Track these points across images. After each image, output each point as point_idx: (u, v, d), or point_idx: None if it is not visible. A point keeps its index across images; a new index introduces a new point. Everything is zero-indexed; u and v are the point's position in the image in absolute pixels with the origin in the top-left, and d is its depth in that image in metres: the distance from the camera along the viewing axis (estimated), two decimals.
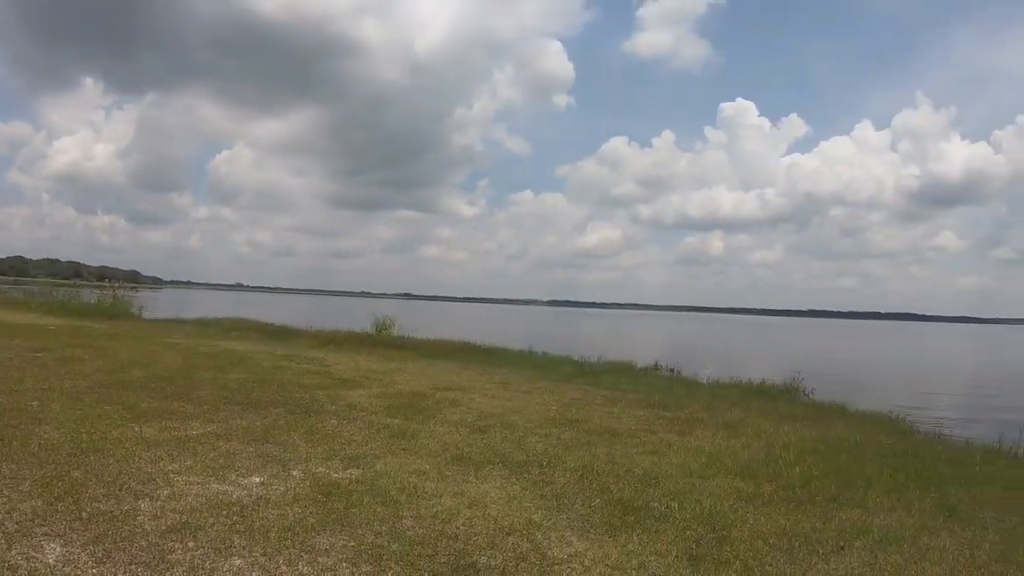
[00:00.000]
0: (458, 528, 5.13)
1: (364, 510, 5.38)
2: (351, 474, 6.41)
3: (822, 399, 15.28)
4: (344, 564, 4.34)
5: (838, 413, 13.00)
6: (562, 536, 5.12)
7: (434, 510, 5.50)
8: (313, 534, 4.79)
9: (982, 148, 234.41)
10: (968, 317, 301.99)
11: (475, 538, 4.94)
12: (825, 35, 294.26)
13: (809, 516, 5.96)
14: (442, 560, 4.51)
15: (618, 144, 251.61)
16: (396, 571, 4.29)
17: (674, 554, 4.86)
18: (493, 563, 4.51)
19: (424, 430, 8.59)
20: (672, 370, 20.31)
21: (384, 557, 4.47)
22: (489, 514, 5.49)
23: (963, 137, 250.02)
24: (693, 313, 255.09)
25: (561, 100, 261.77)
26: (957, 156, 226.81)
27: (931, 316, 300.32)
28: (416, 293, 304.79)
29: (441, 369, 15.67)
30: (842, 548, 5.23)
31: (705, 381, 17.52)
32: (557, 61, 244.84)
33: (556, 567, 4.54)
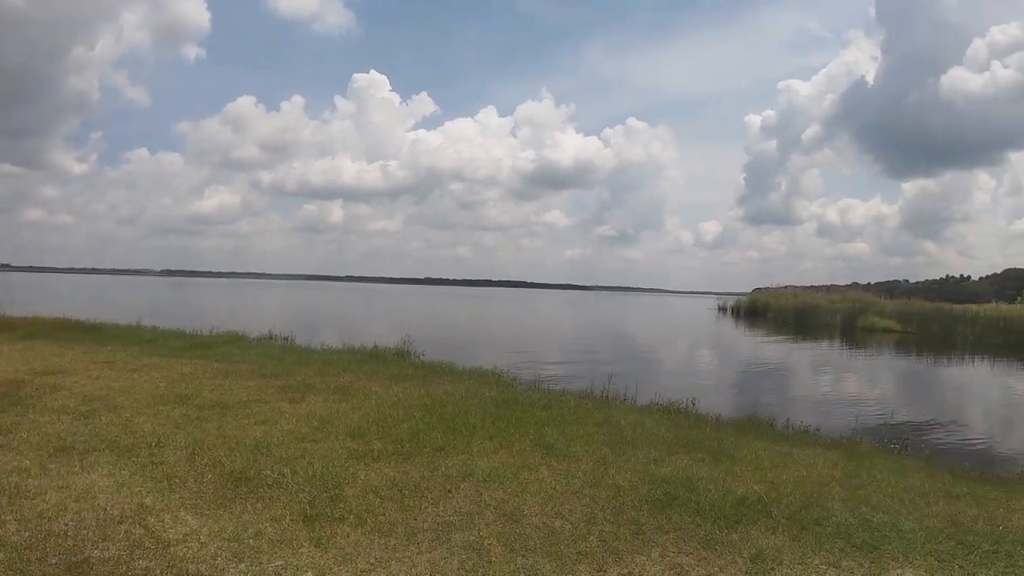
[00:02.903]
0: (66, 524, 4.61)
1: None
2: None
3: (433, 359, 16.05)
4: None
5: (446, 371, 13.77)
6: (176, 516, 4.82)
7: (39, 509, 4.86)
8: None
9: (593, 142, 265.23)
10: (572, 285, 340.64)
11: (85, 532, 4.50)
12: (467, 23, 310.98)
13: (418, 466, 6.23)
14: (53, 561, 4.07)
15: (245, 104, 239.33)
16: None
17: (289, 517, 4.83)
18: (107, 555, 4.17)
19: (23, 422, 7.47)
20: (286, 338, 20.04)
21: None
22: (98, 505, 5.00)
23: (578, 131, 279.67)
24: (312, 282, 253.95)
25: (191, 51, 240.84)
26: (571, 146, 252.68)
27: (540, 284, 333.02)
28: (16, 264, 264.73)
29: (40, 351, 13.78)
30: (449, 491, 5.56)
31: (319, 348, 17.56)
32: (194, 8, 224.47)
33: (172, 548, 4.29)
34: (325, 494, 5.33)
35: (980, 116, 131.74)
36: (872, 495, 6.52)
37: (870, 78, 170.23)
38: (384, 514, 4.95)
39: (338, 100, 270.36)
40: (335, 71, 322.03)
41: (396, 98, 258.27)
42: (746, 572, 4.43)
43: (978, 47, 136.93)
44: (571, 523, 5.03)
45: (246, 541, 4.42)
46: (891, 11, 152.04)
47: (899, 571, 4.61)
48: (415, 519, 4.91)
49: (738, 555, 4.65)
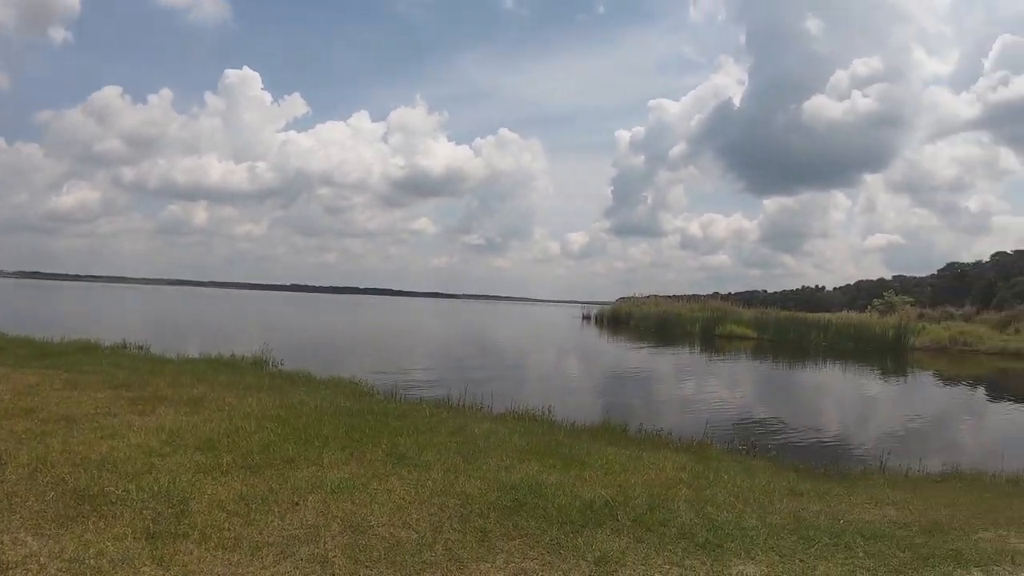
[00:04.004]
0: None
1: None
2: None
3: (291, 369, 15.90)
4: None
5: (304, 381, 13.69)
6: (16, 538, 4.63)
7: None
8: None
9: (465, 151, 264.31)
10: (439, 293, 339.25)
11: None
12: (345, 25, 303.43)
13: (266, 479, 6.23)
14: None
15: (111, 95, 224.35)
16: None
17: (132, 535, 4.73)
18: None
19: None
20: (141, 347, 19.37)
21: None
22: None
23: (450, 139, 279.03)
24: (174, 287, 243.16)
25: (59, 34, 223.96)
26: (442, 154, 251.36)
27: (406, 292, 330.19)
28: None
29: None
30: (297, 504, 5.59)
31: (175, 357, 17.06)
32: None
33: (10, 572, 4.15)
34: (170, 510, 5.24)
35: (839, 141, 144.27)
36: (718, 495, 6.94)
37: (737, 101, 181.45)
38: (229, 529, 4.94)
39: (208, 96, 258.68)
40: (207, 65, 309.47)
41: (268, 97, 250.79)
42: (589, 575, 4.61)
43: (841, 77, 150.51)
44: (417, 532, 5.14)
45: (87, 561, 4.31)
46: (760, 40, 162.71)
47: (741, 567, 4.92)
48: (261, 533, 4.92)
49: (582, 558, 4.84)
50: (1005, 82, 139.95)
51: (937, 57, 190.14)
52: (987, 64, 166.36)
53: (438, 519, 5.47)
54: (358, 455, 7.32)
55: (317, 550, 4.69)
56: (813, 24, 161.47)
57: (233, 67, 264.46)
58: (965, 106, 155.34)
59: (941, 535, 6.09)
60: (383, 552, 4.73)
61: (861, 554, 5.34)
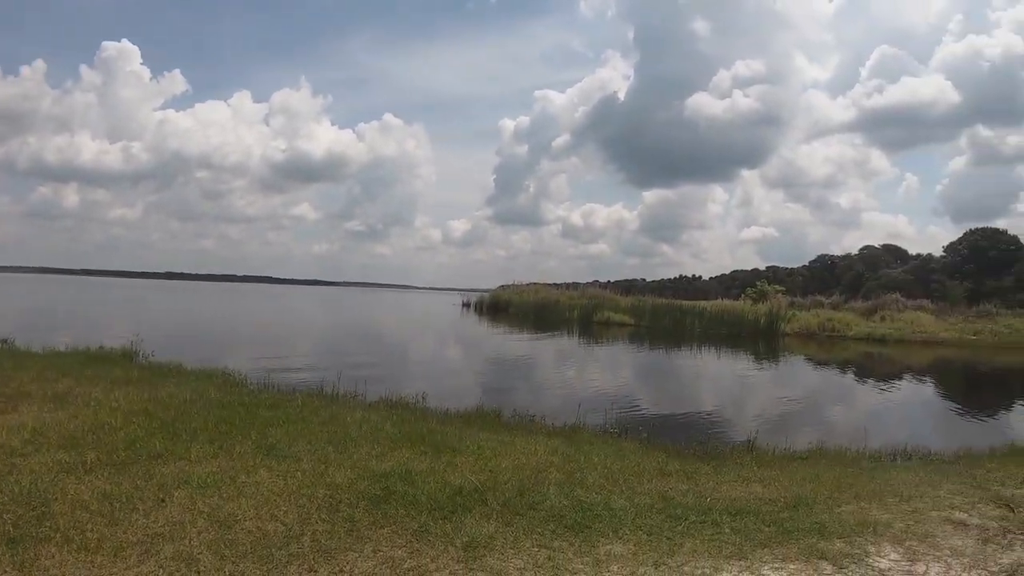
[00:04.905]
0: None
1: None
2: None
3: (163, 360, 15.50)
4: None
5: (174, 373, 13.42)
6: None
7: None
8: None
9: (348, 135, 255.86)
10: (319, 280, 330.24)
11: None
12: (231, 2, 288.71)
13: (132, 476, 6.19)
14: None
15: None
16: None
17: None
18: None
19: None
20: (5, 341, 18.41)
21: None
22: None
23: (333, 123, 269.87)
24: (44, 275, 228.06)
25: None
26: (325, 138, 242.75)
27: (286, 279, 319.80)
28: None
29: None
30: (163, 501, 5.60)
31: (41, 351, 16.35)
32: None
33: None
34: (32, 513, 5.17)
35: (719, 137, 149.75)
36: (588, 477, 7.21)
37: (621, 95, 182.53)
38: (93, 530, 4.91)
39: (84, 69, 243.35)
40: (84, 36, 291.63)
41: (147, 73, 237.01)
42: (458, 560, 4.75)
43: (723, 77, 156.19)
44: (285, 525, 5.21)
45: None
46: (648, 37, 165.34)
47: (609, 547, 5.18)
48: (125, 533, 4.90)
49: (451, 544, 5.00)
50: (880, 90, 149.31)
51: (817, 63, 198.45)
52: (864, 72, 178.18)
53: (306, 510, 5.55)
54: (227, 448, 7.33)
55: (182, 548, 4.70)
56: (700, 25, 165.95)
57: (111, 39, 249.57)
58: (841, 110, 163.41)
59: (805, 509, 6.54)
60: (250, 546, 4.77)
61: (727, 530, 5.72)
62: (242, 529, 5.10)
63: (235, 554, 4.65)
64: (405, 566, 4.63)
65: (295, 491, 6.01)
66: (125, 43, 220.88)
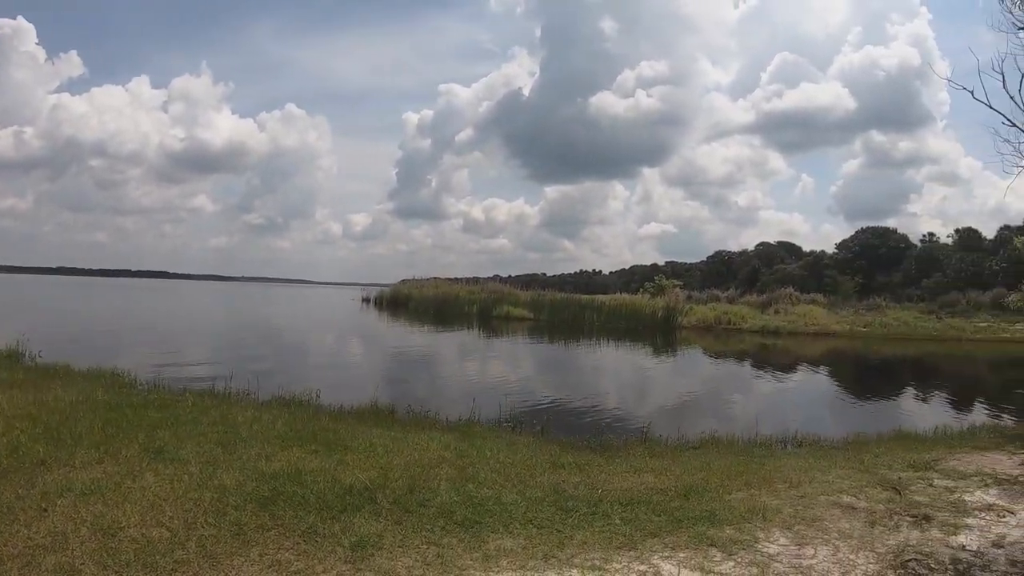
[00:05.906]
0: None
1: None
2: None
3: (50, 361, 15.00)
4: None
5: (61, 374, 13.03)
6: None
7: None
8: None
9: (249, 124, 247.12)
10: (216, 275, 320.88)
11: None
12: None
13: (13, 485, 6.04)
14: None
15: None
16: None
17: None
18: None
19: None
20: None
21: None
22: None
23: (234, 112, 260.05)
24: None
25: None
26: (224, 127, 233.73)
27: (182, 274, 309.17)
28: None
29: None
30: (45, 510, 5.49)
31: None
32: None
33: None
34: None
35: (621, 135, 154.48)
36: (480, 472, 7.38)
37: (526, 91, 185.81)
38: None
39: None
40: None
41: (42, 53, 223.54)
42: (345, 561, 4.83)
43: (628, 76, 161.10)
44: (171, 531, 5.18)
45: None
46: (554, 35, 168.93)
47: (499, 542, 5.35)
48: (5, 544, 4.81)
49: (339, 544, 5.08)
50: (779, 94, 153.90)
51: (720, 67, 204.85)
52: (764, 77, 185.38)
53: (193, 515, 5.53)
54: (113, 452, 7.21)
55: (64, 558, 4.63)
56: (607, 25, 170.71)
57: (6, 16, 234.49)
58: (741, 112, 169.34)
59: (696, 498, 6.87)
60: (134, 555, 4.73)
61: (618, 520, 5.98)
62: (126, 537, 5.04)
63: (118, 563, 4.61)
64: (292, 568, 4.68)
65: (182, 495, 5.96)
66: (20, 20, 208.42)
